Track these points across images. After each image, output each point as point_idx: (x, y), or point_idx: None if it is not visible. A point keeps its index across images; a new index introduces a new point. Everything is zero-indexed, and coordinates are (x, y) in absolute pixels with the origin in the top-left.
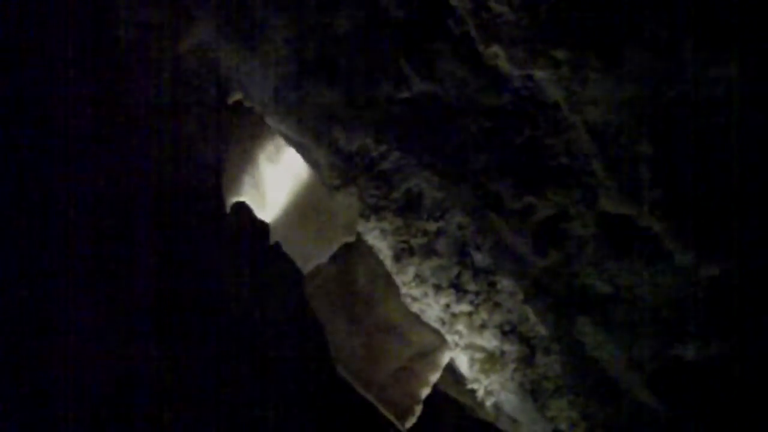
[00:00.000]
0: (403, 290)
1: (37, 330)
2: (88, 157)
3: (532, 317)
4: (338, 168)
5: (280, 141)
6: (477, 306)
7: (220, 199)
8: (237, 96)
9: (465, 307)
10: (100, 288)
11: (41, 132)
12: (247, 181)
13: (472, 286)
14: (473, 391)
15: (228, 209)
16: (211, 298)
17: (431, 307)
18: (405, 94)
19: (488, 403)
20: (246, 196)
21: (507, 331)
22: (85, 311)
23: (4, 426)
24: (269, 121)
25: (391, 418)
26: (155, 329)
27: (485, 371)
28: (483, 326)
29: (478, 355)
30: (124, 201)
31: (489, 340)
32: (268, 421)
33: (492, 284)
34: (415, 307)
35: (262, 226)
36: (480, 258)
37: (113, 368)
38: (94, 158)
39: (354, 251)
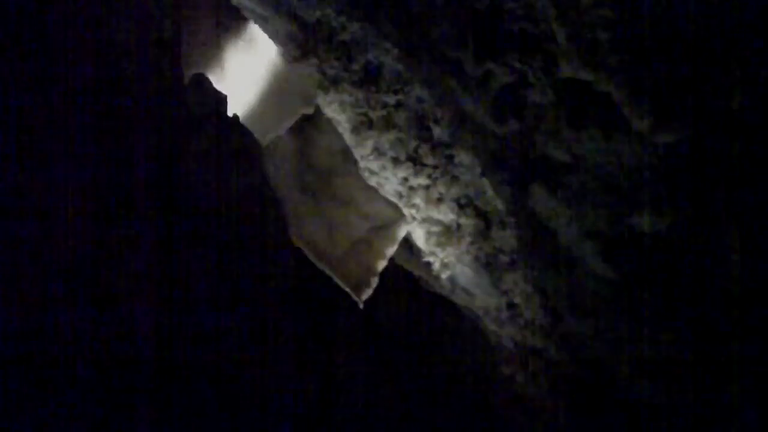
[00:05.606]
0: (362, 164)
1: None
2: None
3: (489, 191)
4: (298, 39)
5: (240, 14)
6: (434, 179)
7: (179, 73)
8: None
9: (422, 181)
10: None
11: None
12: (206, 54)
13: (430, 160)
14: (429, 264)
15: (187, 81)
16: (166, 172)
17: (389, 181)
18: None
19: (443, 276)
20: (205, 68)
21: (463, 205)
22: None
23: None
24: None
25: (348, 289)
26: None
27: (441, 244)
28: (440, 200)
29: (435, 229)
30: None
31: (446, 214)
32: (232, 297)
33: (450, 157)
34: (372, 181)
35: (222, 97)
36: (439, 131)
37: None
38: None
39: (312, 124)
